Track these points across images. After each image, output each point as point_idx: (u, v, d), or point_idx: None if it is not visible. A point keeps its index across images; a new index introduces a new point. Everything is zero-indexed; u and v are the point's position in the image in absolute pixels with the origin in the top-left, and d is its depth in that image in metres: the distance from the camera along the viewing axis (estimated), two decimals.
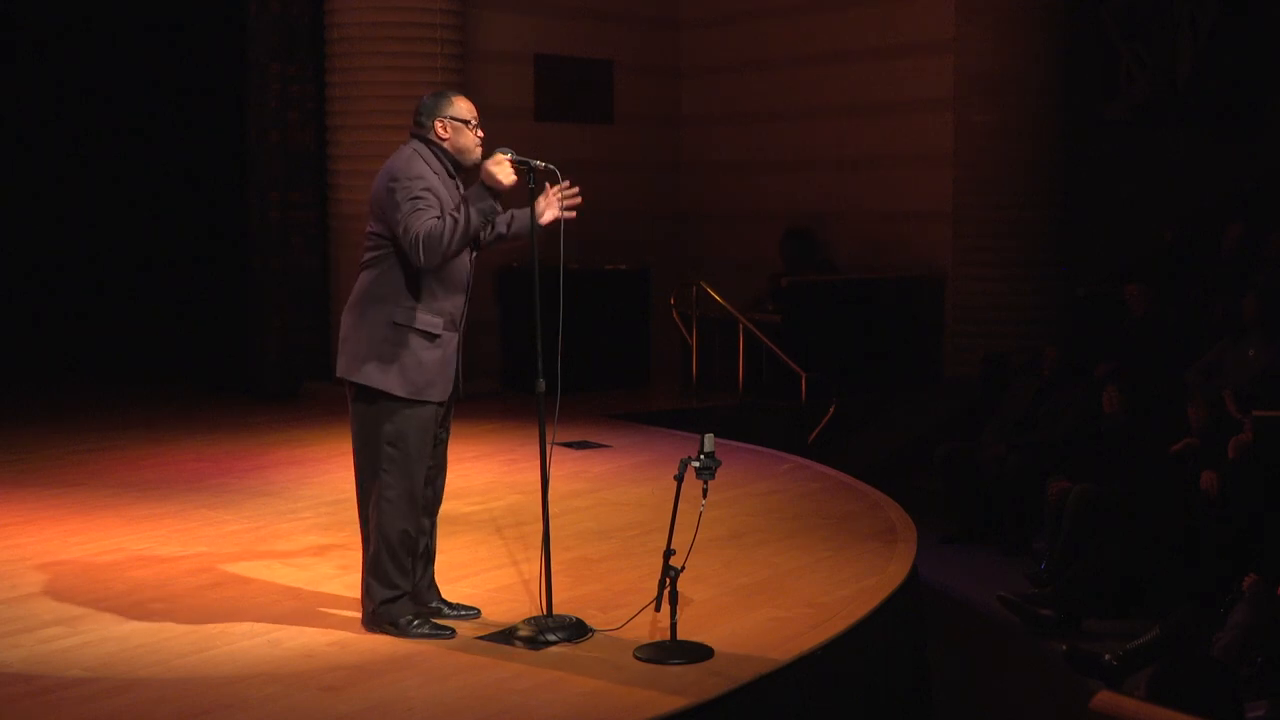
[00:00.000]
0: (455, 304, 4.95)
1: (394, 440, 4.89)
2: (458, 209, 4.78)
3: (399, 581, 4.95)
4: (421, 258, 4.74)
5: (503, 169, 4.80)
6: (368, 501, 4.99)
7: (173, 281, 13.67)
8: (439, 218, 4.76)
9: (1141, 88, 12.03)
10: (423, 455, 4.97)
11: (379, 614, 4.95)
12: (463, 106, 5.00)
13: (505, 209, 5.07)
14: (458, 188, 5.00)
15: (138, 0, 12.64)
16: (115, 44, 13.26)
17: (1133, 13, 12.11)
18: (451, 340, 4.96)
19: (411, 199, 4.77)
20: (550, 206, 5.05)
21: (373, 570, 4.96)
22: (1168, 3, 12.08)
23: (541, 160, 4.95)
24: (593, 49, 12.81)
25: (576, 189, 5.05)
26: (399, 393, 4.85)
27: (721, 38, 13.43)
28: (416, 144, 4.96)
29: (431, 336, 4.88)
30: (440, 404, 4.98)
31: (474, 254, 5.03)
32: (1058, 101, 11.17)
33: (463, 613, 5.16)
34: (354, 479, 5.11)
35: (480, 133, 5.03)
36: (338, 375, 5.00)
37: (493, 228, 5.01)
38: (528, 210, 4.99)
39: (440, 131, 4.95)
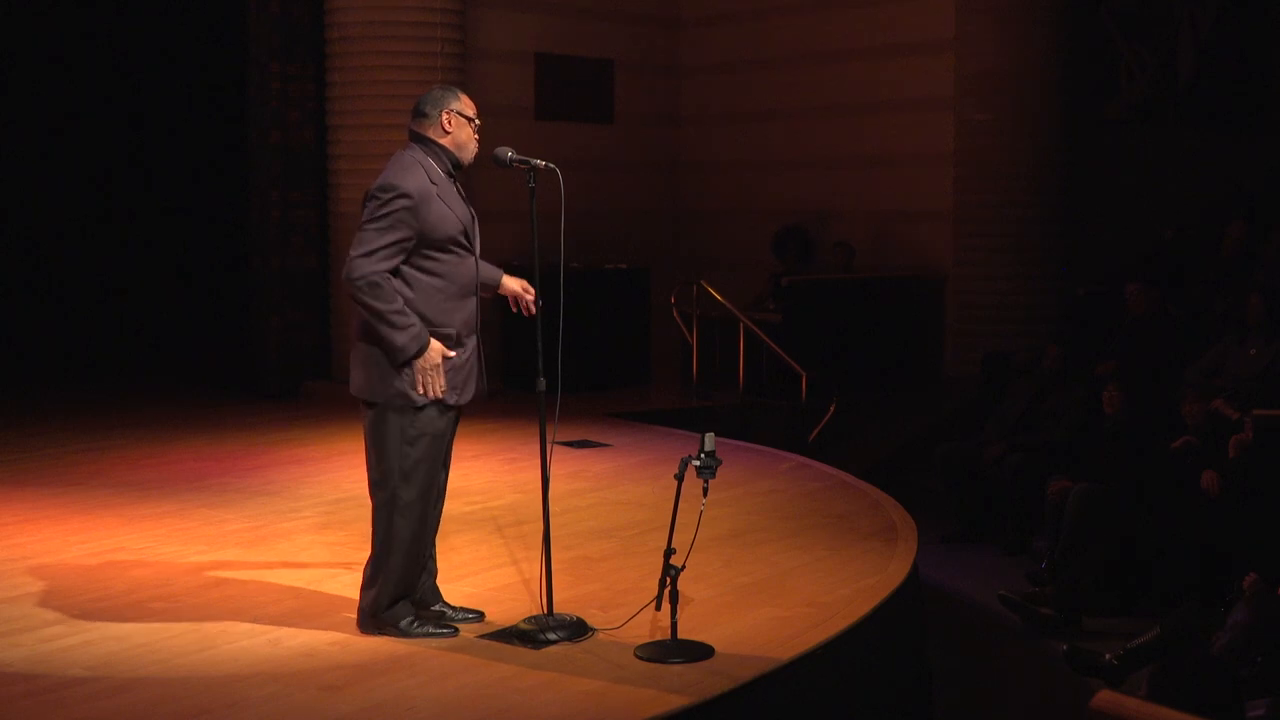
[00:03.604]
0: (466, 310, 4.89)
1: (411, 445, 4.85)
2: (404, 313, 4.68)
3: (403, 587, 4.94)
4: (350, 283, 4.69)
5: (431, 378, 4.75)
6: (380, 505, 4.93)
7: (173, 281, 13.70)
8: (391, 273, 4.69)
9: (1141, 88, 12.05)
10: (438, 460, 4.94)
11: (382, 618, 4.94)
12: (467, 103, 4.98)
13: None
14: (457, 184, 4.98)
15: (138, 1, 12.66)
16: (116, 44, 13.29)
17: (1133, 13, 12.13)
18: (469, 344, 4.92)
19: (386, 230, 4.70)
20: (515, 289, 5.06)
21: (380, 574, 4.92)
22: (1168, 3, 12.10)
23: (542, 160, 4.95)
24: (593, 48, 12.81)
25: (538, 305, 5.04)
26: (418, 401, 4.80)
27: (721, 37, 13.43)
28: (417, 150, 4.88)
29: (405, 364, 4.80)
30: (458, 407, 4.95)
31: (478, 255, 5.00)
32: (1058, 101, 11.18)
33: (465, 616, 5.14)
34: (365, 480, 5.04)
35: (477, 135, 5.02)
36: (353, 391, 4.92)
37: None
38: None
39: (445, 125, 4.89)
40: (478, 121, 5.00)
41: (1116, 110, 12.19)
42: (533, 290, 5.08)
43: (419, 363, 4.75)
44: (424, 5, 10.60)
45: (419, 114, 4.93)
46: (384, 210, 4.73)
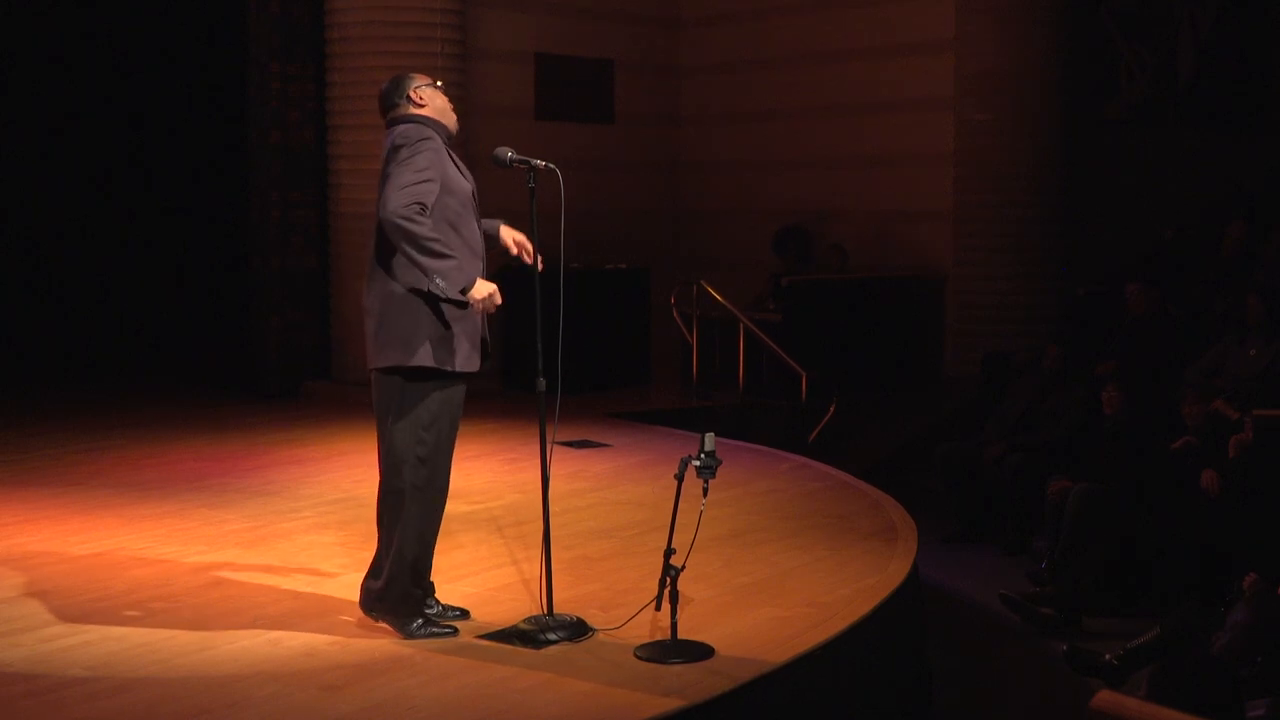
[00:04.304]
0: (476, 270, 4.88)
1: (427, 430, 4.85)
2: (449, 248, 4.67)
3: (418, 571, 4.94)
4: (388, 215, 4.61)
5: (491, 302, 4.78)
6: (394, 490, 4.90)
7: (173, 281, 13.70)
8: (428, 208, 4.66)
9: (1141, 88, 12.06)
10: (452, 441, 4.96)
11: (398, 603, 4.90)
12: (419, 76, 5.01)
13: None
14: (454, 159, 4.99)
15: (138, 1, 12.66)
16: (116, 44, 13.28)
17: (1133, 13, 12.13)
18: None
19: (420, 169, 4.69)
20: (514, 237, 5.06)
21: (395, 559, 4.89)
22: (1168, 3, 12.10)
23: (542, 160, 4.95)
24: (593, 48, 12.81)
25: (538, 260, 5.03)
26: (448, 367, 4.80)
27: (722, 37, 13.43)
28: (409, 124, 4.88)
29: (464, 304, 4.82)
30: (473, 373, 4.93)
31: (480, 219, 5.00)
32: (1058, 100, 11.18)
33: (453, 614, 5.14)
34: (365, 481, 5.04)
35: (447, 97, 5.03)
36: (377, 366, 4.86)
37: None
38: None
39: (417, 100, 4.92)
40: (440, 83, 5.02)
41: (1116, 110, 12.20)
42: (529, 243, 5.05)
43: (473, 295, 4.74)
44: (424, 5, 10.60)
45: (390, 105, 4.96)
46: (412, 152, 4.74)
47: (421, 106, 4.93)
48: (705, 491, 4.76)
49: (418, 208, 4.66)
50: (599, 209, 12.18)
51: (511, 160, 4.95)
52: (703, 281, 11.08)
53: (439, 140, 4.86)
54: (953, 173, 11.48)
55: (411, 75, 5.02)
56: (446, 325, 4.80)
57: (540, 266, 4.99)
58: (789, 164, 12.89)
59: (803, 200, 12.66)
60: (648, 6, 13.39)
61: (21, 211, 13.34)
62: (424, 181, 4.71)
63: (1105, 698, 3.34)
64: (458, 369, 4.86)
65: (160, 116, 13.50)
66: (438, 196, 4.76)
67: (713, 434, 4.78)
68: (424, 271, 4.69)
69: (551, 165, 4.92)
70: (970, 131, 11.32)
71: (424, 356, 4.80)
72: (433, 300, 4.77)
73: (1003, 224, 11.18)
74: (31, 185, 13.37)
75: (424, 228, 4.66)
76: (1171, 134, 11.88)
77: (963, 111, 11.36)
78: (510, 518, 6.81)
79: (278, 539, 6.43)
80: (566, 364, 4.91)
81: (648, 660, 4.67)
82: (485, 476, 7.78)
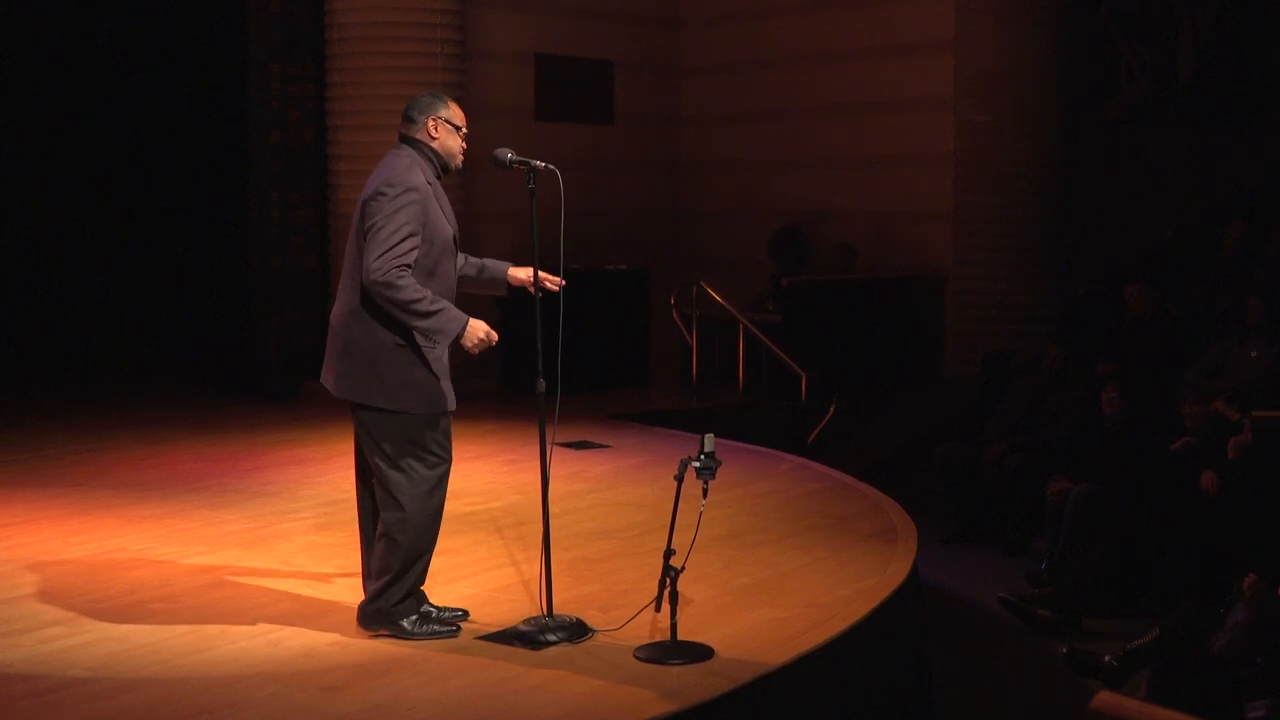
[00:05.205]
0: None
1: (422, 462, 4.88)
2: (434, 302, 4.70)
3: (414, 587, 4.97)
4: (372, 281, 4.65)
5: (488, 343, 4.83)
6: (394, 520, 4.91)
7: (173, 281, 13.69)
8: (411, 267, 4.69)
9: (1141, 88, 12.06)
10: (448, 459, 4.96)
11: (392, 611, 4.92)
12: (456, 112, 4.98)
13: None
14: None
15: (138, 1, 12.66)
16: (116, 44, 13.28)
17: (1133, 13, 12.13)
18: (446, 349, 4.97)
19: (401, 225, 4.69)
20: (525, 278, 5.10)
21: (394, 580, 4.91)
22: (1168, 3, 12.10)
23: (541, 161, 4.95)
24: (593, 49, 12.81)
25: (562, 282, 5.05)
26: (418, 410, 4.84)
27: (722, 37, 13.43)
28: (410, 151, 4.89)
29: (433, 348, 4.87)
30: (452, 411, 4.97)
31: (458, 257, 5.01)
32: (1058, 101, 11.19)
33: (451, 614, 5.15)
34: (357, 485, 5.06)
35: (465, 144, 5.02)
36: (343, 396, 4.92)
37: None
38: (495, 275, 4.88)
39: (431, 130, 4.90)
40: (465, 130, 5.00)
41: (1116, 110, 12.20)
42: (544, 274, 5.07)
43: (464, 343, 4.79)
44: (424, 5, 10.60)
45: (407, 118, 4.96)
46: (395, 206, 4.73)
47: (432, 139, 4.92)
48: (705, 492, 4.76)
49: (398, 271, 4.68)
50: (599, 209, 12.19)
51: (511, 161, 4.95)
52: (702, 282, 11.08)
53: (425, 187, 4.80)
54: (953, 173, 11.48)
55: (446, 103, 4.96)
56: (420, 369, 4.83)
57: (564, 282, 5.01)
58: (789, 164, 12.90)
59: (803, 200, 12.67)
60: (648, 6, 13.39)
61: (21, 211, 13.33)
62: (405, 239, 4.70)
63: (1105, 699, 3.35)
64: (433, 410, 4.87)
65: (160, 116, 13.50)
66: (418, 248, 4.76)
67: (712, 435, 4.79)
68: (417, 332, 4.76)
69: (551, 166, 4.92)
70: (970, 131, 11.32)
71: (399, 401, 4.82)
72: (403, 351, 4.80)
73: (1003, 224, 11.18)
74: (31, 185, 13.36)
75: (407, 290, 4.68)
76: (1171, 134, 11.88)
77: (963, 111, 11.37)
78: (510, 518, 6.81)
79: (277, 539, 6.44)
80: (566, 364, 4.91)
81: (647, 661, 4.67)
82: (485, 477, 7.78)
